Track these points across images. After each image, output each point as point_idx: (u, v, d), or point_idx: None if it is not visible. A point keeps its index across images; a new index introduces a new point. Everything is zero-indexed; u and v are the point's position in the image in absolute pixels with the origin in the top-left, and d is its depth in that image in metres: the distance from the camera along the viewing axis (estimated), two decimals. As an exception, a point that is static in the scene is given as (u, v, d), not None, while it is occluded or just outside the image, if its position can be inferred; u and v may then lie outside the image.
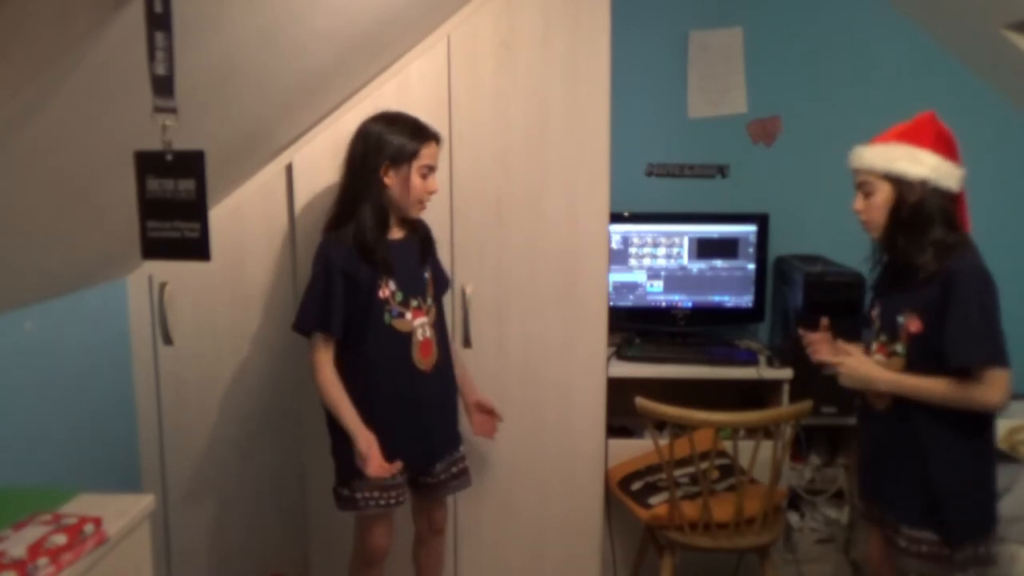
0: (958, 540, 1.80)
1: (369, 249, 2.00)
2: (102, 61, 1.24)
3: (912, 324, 1.82)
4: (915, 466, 1.84)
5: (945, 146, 1.83)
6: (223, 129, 1.92)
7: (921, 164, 1.81)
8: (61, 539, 1.36)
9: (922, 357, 1.81)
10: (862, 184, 1.91)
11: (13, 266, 1.72)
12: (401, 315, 2.07)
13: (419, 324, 2.10)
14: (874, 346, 1.93)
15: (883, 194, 1.86)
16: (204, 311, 2.42)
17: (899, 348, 1.86)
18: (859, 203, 1.93)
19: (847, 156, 3.02)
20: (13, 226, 1.56)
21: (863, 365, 1.89)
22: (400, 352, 2.07)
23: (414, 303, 2.09)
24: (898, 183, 1.83)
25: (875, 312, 1.97)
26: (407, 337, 2.08)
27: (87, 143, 1.48)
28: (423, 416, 2.12)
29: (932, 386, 1.78)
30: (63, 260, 1.92)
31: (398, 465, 2.01)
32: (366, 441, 1.99)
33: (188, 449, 2.47)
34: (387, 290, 2.05)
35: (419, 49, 2.35)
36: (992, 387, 1.72)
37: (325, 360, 2.02)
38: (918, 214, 1.81)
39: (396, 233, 2.12)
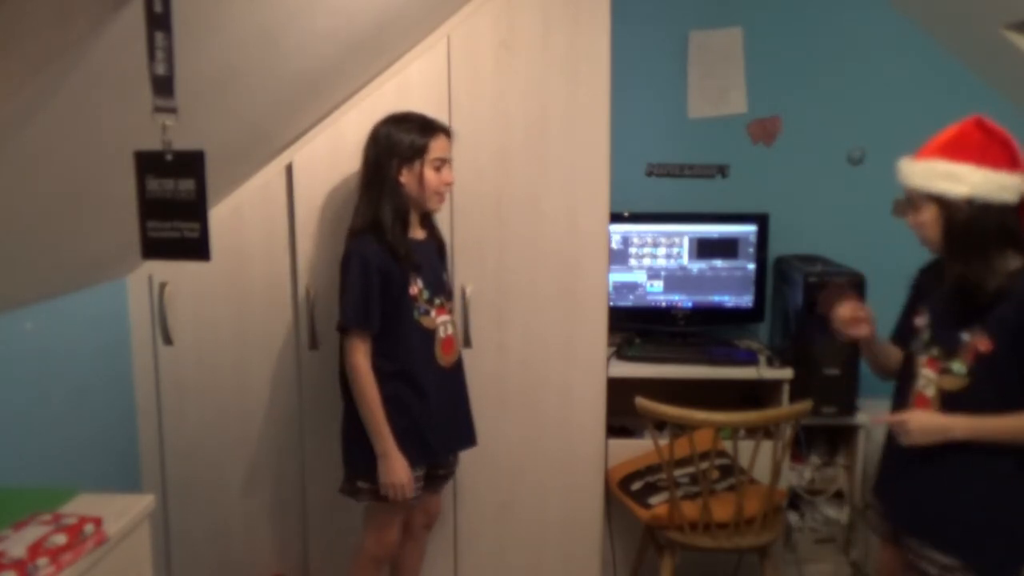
0: (994, 571, 1.71)
1: (396, 248, 2.04)
2: (102, 61, 1.25)
3: (981, 343, 1.67)
4: (980, 502, 1.71)
5: (993, 156, 1.69)
6: (223, 129, 1.92)
7: (961, 182, 1.67)
8: (61, 539, 1.36)
9: (988, 377, 1.67)
10: (910, 200, 1.77)
11: (13, 266, 1.72)
12: (427, 312, 2.12)
13: (442, 322, 2.15)
14: (923, 358, 1.79)
15: (928, 214, 1.73)
16: (204, 311, 2.42)
17: (956, 367, 1.71)
18: (910, 217, 1.78)
19: (847, 156, 3.05)
20: (13, 226, 1.56)
21: (932, 419, 1.71)
22: (426, 348, 2.12)
23: (438, 301, 2.15)
24: (941, 203, 1.71)
25: (921, 321, 1.83)
26: (432, 334, 2.12)
27: (87, 143, 1.48)
28: (446, 411, 2.18)
29: (1018, 424, 1.64)
30: (63, 260, 1.92)
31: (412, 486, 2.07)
32: (401, 468, 2.03)
33: (188, 449, 2.47)
34: (416, 287, 2.10)
35: (419, 49, 2.35)
36: None
37: (364, 363, 2.03)
38: (970, 234, 1.68)
39: (418, 233, 2.17)
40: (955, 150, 1.71)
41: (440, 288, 2.18)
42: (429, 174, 2.08)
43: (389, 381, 2.06)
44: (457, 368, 2.24)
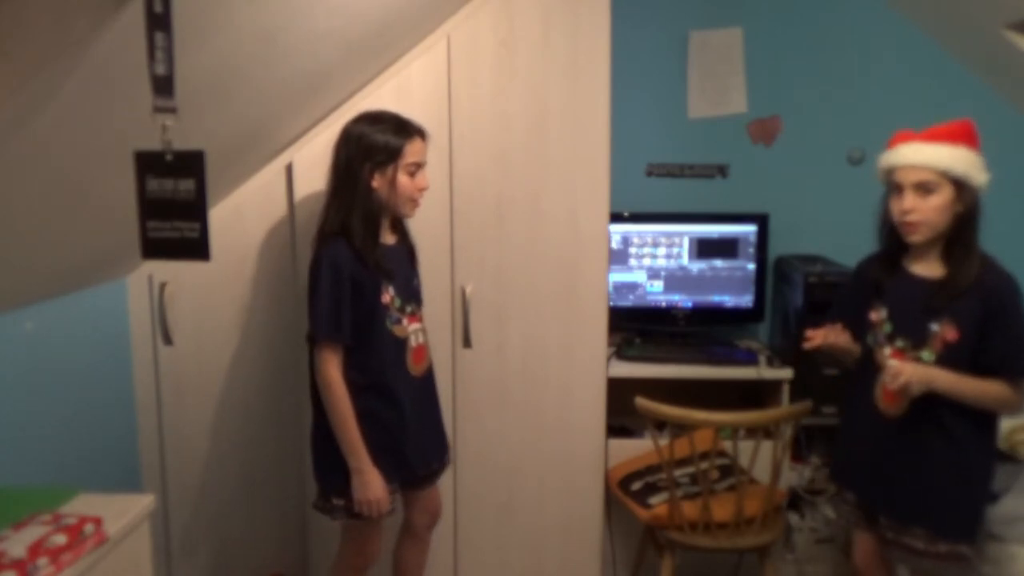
0: (974, 538, 1.84)
1: (366, 255, 1.96)
2: (102, 61, 1.25)
3: (949, 333, 1.80)
4: (943, 473, 1.83)
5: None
6: (223, 129, 1.92)
7: (982, 172, 1.79)
8: (61, 539, 1.36)
9: (953, 364, 1.79)
10: (922, 183, 1.79)
11: (13, 266, 1.72)
12: (399, 321, 2.05)
13: (413, 330, 2.09)
14: (887, 350, 1.89)
15: (945, 196, 1.79)
16: (204, 311, 2.42)
17: (926, 355, 1.83)
18: (910, 201, 1.81)
19: (847, 156, 3.05)
20: (13, 226, 1.56)
21: (919, 367, 1.81)
22: (397, 358, 2.05)
23: (409, 309, 2.09)
24: (961, 188, 1.78)
25: (878, 315, 1.93)
26: (403, 343, 2.06)
27: (87, 143, 1.48)
28: (419, 421, 2.11)
29: (988, 388, 1.77)
30: (63, 260, 1.92)
31: (389, 502, 2.02)
32: (377, 484, 1.96)
33: (188, 449, 2.47)
34: (388, 295, 2.02)
35: (419, 49, 2.35)
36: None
37: (336, 375, 1.95)
38: (974, 223, 1.81)
39: (388, 238, 2.09)
40: (973, 142, 1.81)
41: (411, 295, 2.11)
42: (403, 179, 1.98)
43: (362, 394, 1.98)
44: (428, 377, 2.16)
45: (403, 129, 1.99)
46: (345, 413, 1.95)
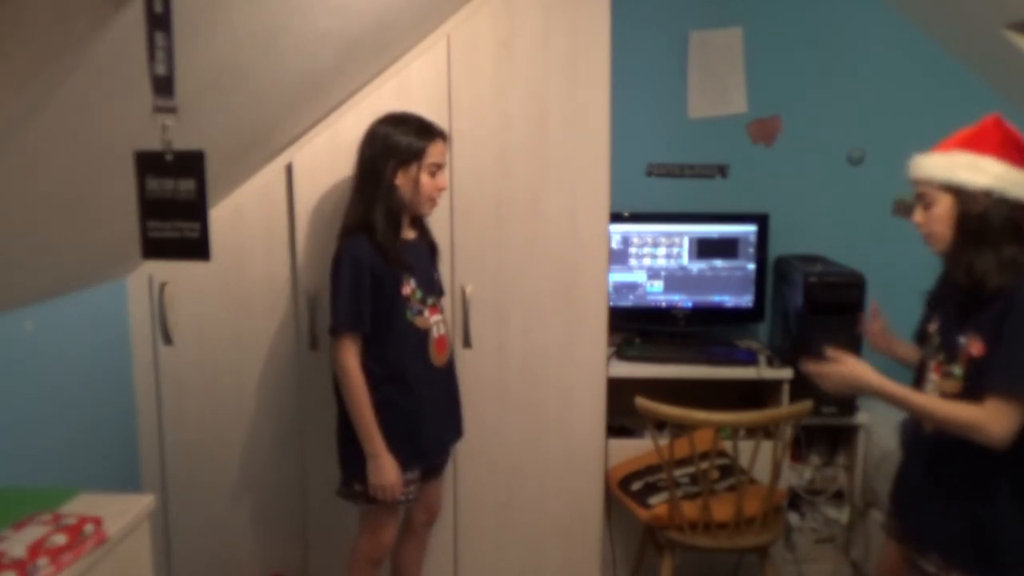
0: (987, 571, 1.71)
1: (387, 250, 2.03)
2: (102, 61, 1.25)
3: (974, 346, 1.67)
4: (964, 501, 1.72)
5: (1011, 152, 1.69)
6: (223, 129, 1.92)
7: (983, 173, 1.67)
8: (61, 539, 1.36)
9: (979, 380, 1.64)
10: (921, 196, 1.76)
11: (13, 266, 1.72)
12: (420, 312, 2.11)
13: (435, 321, 2.15)
14: (931, 364, 1.79)
15: (943, 206, 1.72)
16: (204, 311, 2.42)
17: (956, 370, 1.71)
18: (919, 216, 1.77)
19: (847, 156, 3.06)
20: (13, 226, 1.56)
21: (854, 368, 1.77)
22: (419, 348, 2.11)
23: (430, 301, 2.15)
24: (959, 194, 1.69)
25: (933, 327, 1.84)
26: (425, 334, 2.12)
27: (87, 143, 1.48)
28: (440, 410, 2.19)
29: (947, 407, 1.65)
30: (63, 260, 1.92)
31: (402, 488, 2.07)
32: (390, 469, 2.03)
33: (188, 449, 2.47)
34: (409, 287, 2.09)
35: (419, 49, 2.35)
36: (1001, 419, 1.58)
37: (354, 364, 2.02)
38: (982, 226, 1.68)
39: (409, 233, 2.16)
40: (976, 143, 1.71)
41: (432, 288, 2.19)
42: (424, 179, 2.06)
43: (381, 385, 2.05)
44: (450, 367, 2.25)
45: (426, 131, 2.07)
46: (361, 400, 2.02)
